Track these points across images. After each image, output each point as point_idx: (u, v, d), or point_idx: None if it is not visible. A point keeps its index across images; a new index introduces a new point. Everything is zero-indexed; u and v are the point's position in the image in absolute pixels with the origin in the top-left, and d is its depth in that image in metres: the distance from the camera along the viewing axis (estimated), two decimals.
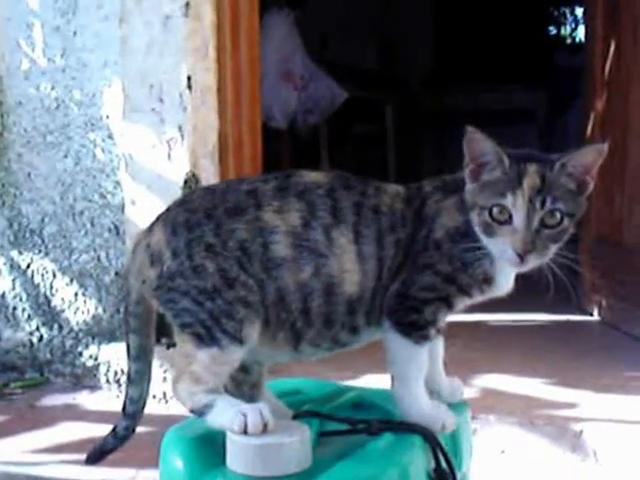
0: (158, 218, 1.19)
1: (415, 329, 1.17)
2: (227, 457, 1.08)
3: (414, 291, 1.16)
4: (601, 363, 2.64)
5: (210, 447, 1.12)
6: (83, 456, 1.28)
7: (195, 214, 1.14)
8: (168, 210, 1.19)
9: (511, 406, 2.22)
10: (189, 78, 2.37)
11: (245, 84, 2.51)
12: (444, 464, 1.16)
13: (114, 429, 1.25)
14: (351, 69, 4.99)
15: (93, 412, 2.40)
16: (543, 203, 1.10)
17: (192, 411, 1.14)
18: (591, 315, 3.34)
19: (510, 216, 1.11)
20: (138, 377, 1.24)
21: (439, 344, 1.26)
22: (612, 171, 3.15)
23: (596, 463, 1.99)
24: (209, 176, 2.40)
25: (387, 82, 5.67)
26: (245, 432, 1.07)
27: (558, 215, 1.11)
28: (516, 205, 1.10)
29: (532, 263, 1.13)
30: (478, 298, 1.20)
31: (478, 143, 1.14)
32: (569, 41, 7.71)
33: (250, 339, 1.12)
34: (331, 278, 1.13)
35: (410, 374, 1.18)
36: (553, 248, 1.14)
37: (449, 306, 1.18)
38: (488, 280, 1.18)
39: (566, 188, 1.13)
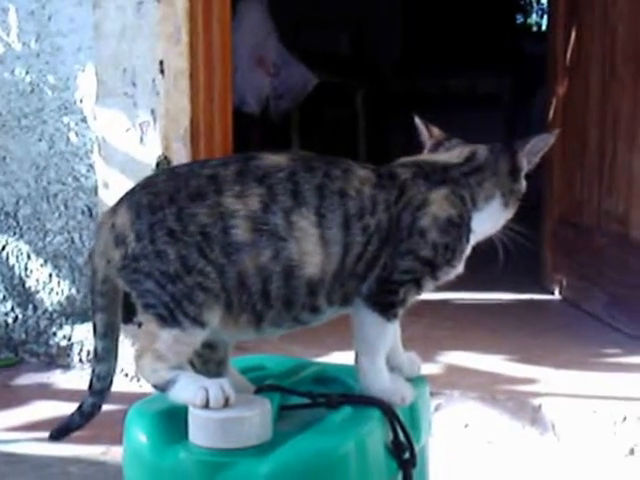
0: (122, 199, 1.20)
1: (390, 308, 1.20)
2: (189, 431, 1.10)
3: (395, 275, 1.19)
4: (561, 340, 2.70)
5: (173, 421, 1.14)
6: None
7: (158, 197, 1.15)
8: (132, 191, 1.20)
9: (474, 382, 2.26)
10: (161, 62, 2.39)
11: (217, 69, 2.53)
12: (402, 436, 1.18)
13: (80, 406, 1.25)
14: (323, 55, 5.01)
15: (66, 391, 2.42)
16: None
17: (155, 387, 1.15)
18: (552, 294, 3.38)
19: None
20: (105, 354, 1.24)
21: (397, 322, 1.28)
22: (573, 154, 3.21)
23: (554, 436, 2.05)
24: (181, 159, 2.41)
25: (358, 67, 5.70)
26: (207, 406, 1.09)
27: None
28: None
29: None
30: (441, 281, 1.25)
31: None
32: (535, 29, 7.78)
33: (211, 322, 1.14)
34: (290, 261, 1.14)
35: (378, 350, 1.21)
36: None
37: (419, 287, 1.22)
38: (457, 264, 1.24)
39: None
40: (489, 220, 1.28)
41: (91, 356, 2.51)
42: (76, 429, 1.25)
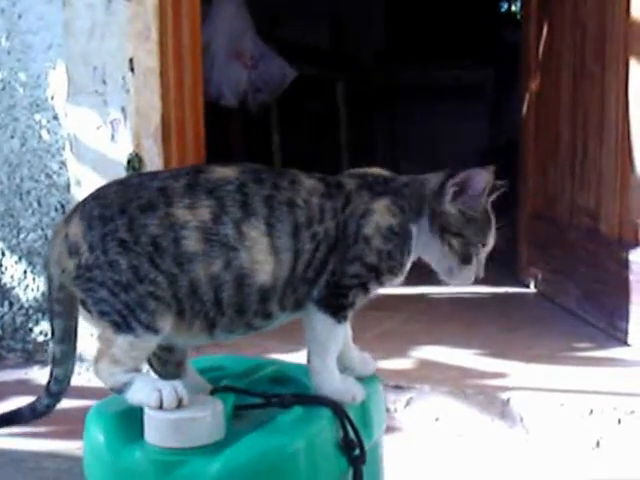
0: (75, 209, 1.22)
1: (340, 310, 1.24)
2: (145, 431, 1.14)
3: (344, 280, 1.23)
4: (534, 334, 2.72)
5: (131, 422, 1.18)
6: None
7: (109, 208, 1.17)
8: (84, 202, 1.22)
9: (445, 376, 2.28)
10: (131, 60, 2.40)
11: (187, 67, 2.54)
12: (352, 434, 1.22)
13: (33, 403, 1.27)
14: (302, 47, 5.00)
15: (44, 386, 2.44)
16: None
17: (112, 389, 1.19)
18: (528, 287, 3.41)
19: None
20: (63, 358, 1.26)
21: (348, 324, 1.32)
22: (546, 149, 3.23)
23: (523, 429, 2.07)
24: (152, 157, 2.44)
25: (338, 59, 5.68)
26: (161, 407, 1.13)
27: None
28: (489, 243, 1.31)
29: None
30: (385, 286, 1.29)
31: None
32: (520, 17, 7.71)
33: (164, 329, 1.17)
34: (242, 270, 1.17)
35: (329, 350, 1.25)
36: None
37: (365, 291, 1.26)
38: (399, 273, 1.28)
39: None
40: (425, 236, 1.30)
41: None
42: (20, 423, 1.27)
